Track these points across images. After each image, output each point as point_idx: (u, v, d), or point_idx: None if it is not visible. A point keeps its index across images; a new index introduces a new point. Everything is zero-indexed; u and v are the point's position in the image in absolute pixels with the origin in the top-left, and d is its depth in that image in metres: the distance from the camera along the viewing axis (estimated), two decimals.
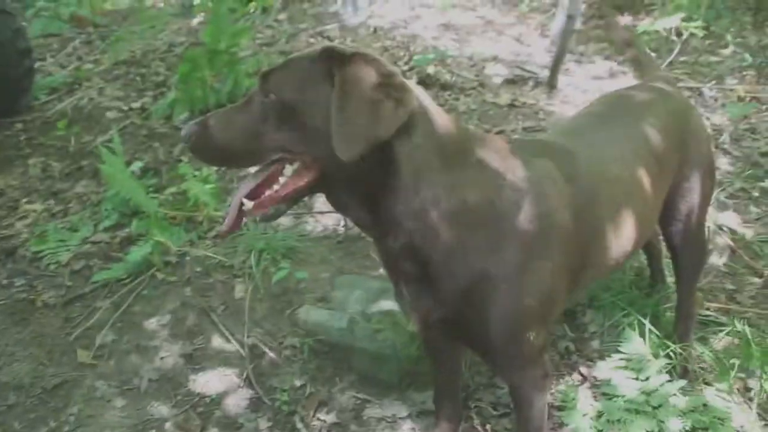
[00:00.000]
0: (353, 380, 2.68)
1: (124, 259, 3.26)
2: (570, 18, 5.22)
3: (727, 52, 7.62)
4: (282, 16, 8.12)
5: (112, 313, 3.01)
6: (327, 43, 1.73)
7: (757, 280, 3.23)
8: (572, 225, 1.83)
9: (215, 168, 4.18)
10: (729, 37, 8.05)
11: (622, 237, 2.05)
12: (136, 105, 5.24)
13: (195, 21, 8.20)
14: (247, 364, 2.73)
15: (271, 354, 2.77)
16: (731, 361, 2.53)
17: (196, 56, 5.05)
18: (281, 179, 1.61)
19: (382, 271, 3.14)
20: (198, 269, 3.22)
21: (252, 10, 7.21)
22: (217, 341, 2.84)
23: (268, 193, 1.61)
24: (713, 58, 7.29)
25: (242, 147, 1.59)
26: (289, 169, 1.61)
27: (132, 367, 2.76)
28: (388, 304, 2.75)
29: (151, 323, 2.94)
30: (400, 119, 1.50)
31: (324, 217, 3.62)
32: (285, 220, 3.59)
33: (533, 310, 1.78)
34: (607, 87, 6.06)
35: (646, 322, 2.71)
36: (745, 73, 6.74)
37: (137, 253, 3.22)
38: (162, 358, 2.79)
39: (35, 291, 3.21)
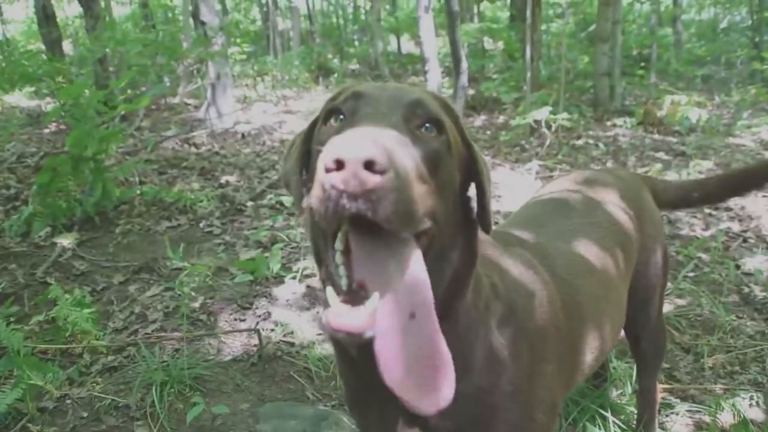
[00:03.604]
0: None
1: None
2: None
3: (581, 142, 8.17)
4: (144, 124, 7.69)
5: None
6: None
7: (687, 355, 3.24)
8: (563, 320, 1.61)
9: (89, 287, 3.64)
10: (581, 129, 8.69)
11: (607, 330, 1.87)
12: None
13: (46, 131, 7.59)
14: None
15: None
16: None
17: (58, 164, 4.51)
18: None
19: (310, 394, 2.75)
20: (84, 414, 2.62)
21: (114, 118, 6.75)
22: None
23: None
24: (570, 149, 7.74)
25: (420, 202, 0.98)
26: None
27: None
28: None
29: None
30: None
31: (229, 337, 3.17)
32: (181, 344, 3.10)
33: (542, 422, 1.50)
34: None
35: (608, 414, 2.54)
36: (604, 159, 7.22)
37: (1, 401, 2.57)
38: None
39: None
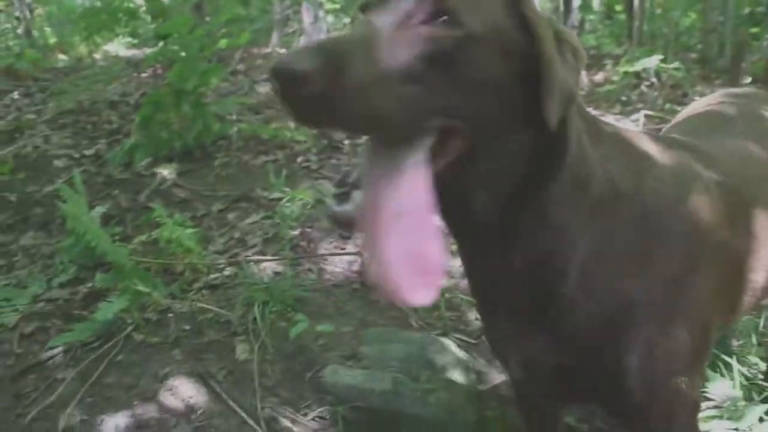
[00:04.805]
0: None
1: (90, 319, 2.64)
2: None
3: (687, 101, 7.66)
4: (240, 67, 7.74)
5: (79, 385, 2.36)
6: None
7: None
8: (727, 230, 1.40)
9: (189, 213, 3.66)
10: (687, 86, 8.14)
11: None
12: (89, 152, 4.66)
13: (144, 75, 7.74)
14: None
15: (295, 428, 2.16)
16: None
17: (160, 98, 4.55)
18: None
19: (414, 322, 2.64)
20: (186, 327, 2.61)
21: (213, 56, 6.80)
22: (222, 416, 2.21)
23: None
24: (678, 107, 7.27)
25: (399, 106, 0.91)
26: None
27: None
28: (439, 359, 2.24)
29: (132, 397, 2.31)
30: (580, 73, 1.13)
31: (329, 264, 3.09)
32: (281, 267, 3.05)
33: (688, 347, 1.30)
34: None
35: (734, 362, 2.29)
36: None
37: (108, 309, 2.59)
38: None
39: None
